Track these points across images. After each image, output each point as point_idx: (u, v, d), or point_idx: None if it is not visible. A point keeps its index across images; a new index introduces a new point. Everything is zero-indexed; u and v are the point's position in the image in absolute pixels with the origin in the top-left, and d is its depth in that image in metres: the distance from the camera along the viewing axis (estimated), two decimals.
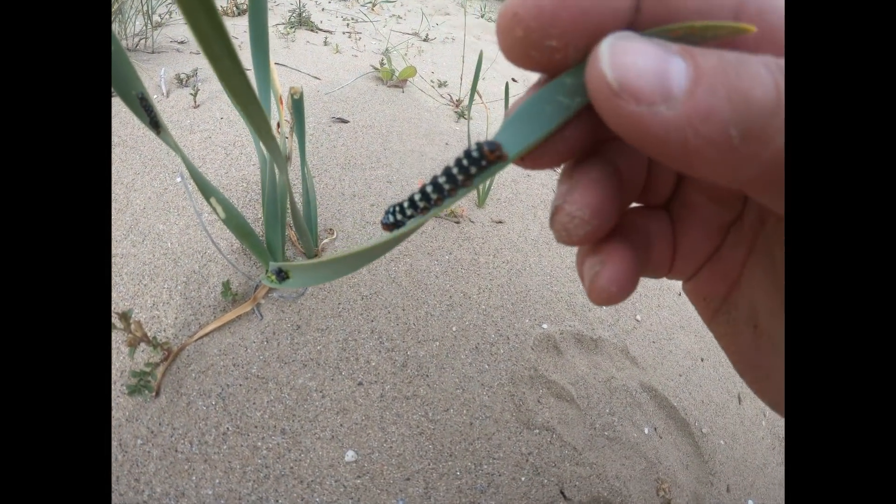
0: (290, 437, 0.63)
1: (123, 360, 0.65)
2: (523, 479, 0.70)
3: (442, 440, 0.70)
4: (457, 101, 1.66)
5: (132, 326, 0.61)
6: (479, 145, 0.17)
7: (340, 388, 0.69)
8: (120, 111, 1.16)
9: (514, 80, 2.35)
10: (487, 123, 1.26)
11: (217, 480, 0.59)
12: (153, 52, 1.47)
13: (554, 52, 0.15)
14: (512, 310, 0.95)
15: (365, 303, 0.79)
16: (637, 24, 0.14)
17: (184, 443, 0.61)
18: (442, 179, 0.19)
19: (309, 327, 0.73)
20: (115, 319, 0.67)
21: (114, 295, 0.73)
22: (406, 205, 0.20)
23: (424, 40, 2.27)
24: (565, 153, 0.17)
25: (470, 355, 0.82)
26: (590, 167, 0.17)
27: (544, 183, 1.45)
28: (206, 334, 0.69)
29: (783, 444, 1.07)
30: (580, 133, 0.17)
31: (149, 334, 0.69)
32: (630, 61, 0.13)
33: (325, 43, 1.81)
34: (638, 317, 1.09)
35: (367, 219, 0.95)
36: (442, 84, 1.77)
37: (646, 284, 1.21)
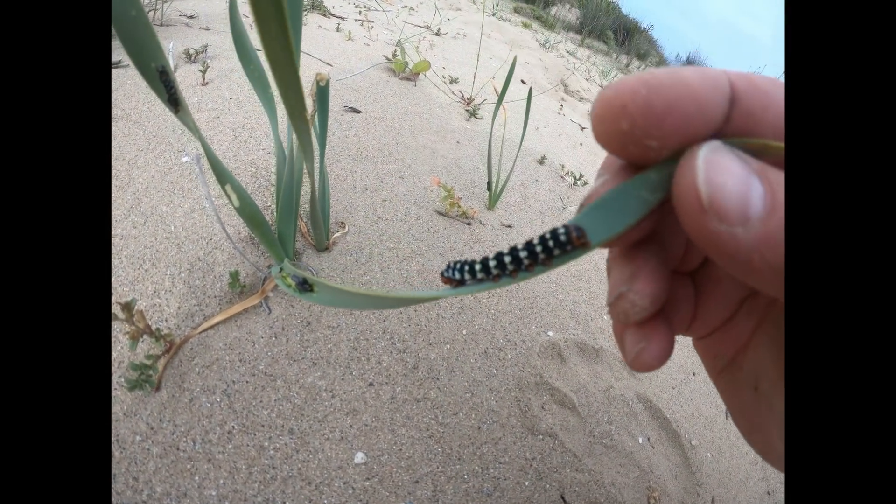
0: (299, 437, 0.60)
1: (121, 351, 0.61)
2: (527, 483, 0.69)
3: (451, 443, 0.68)
4: (468, 98, 1.63)
5: (135, 317, 0.57)
6: (567, 229, 0.17)
7: (351, 389, 0.66)
8: (124, 83, 1.11)
9: (522, 81, 2.32)
10: (504, 126, 1.23)
11: (221, 481, 0.56)
12: (161, 25, 1.41)
13: (649, 150, 0.15)
14: (519, 315, 0.94)
15: None
16: (723, 132, 0.15)
17: (186, 441, 0.58)
18: (523, 254, 0.18)
19: (319, 324, 0.69)
20: (116, 309, 0.63)
21: (112, 279, 0.69)
22: (478, 267, 0.20)
23: (436, 34, 2.22)
24: (634, 239, 0.18)
25: (479, 359, 0.80)
26: (649, 254, 0.18)
27: (552, 189, 1.43)
28: (212, 327, 0.65)
29: (765, 461, 1.09)
30: (650, 223, 0.17)
31: (151, 325, 0.65)
32: (721, 181, 0.13)
33: (338, 29, 1.76)
34: None
35: (379, 214, 0.92)
36: (453, 80, 1.73)
37: None
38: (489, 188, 1.07)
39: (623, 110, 0.15)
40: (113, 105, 1.04)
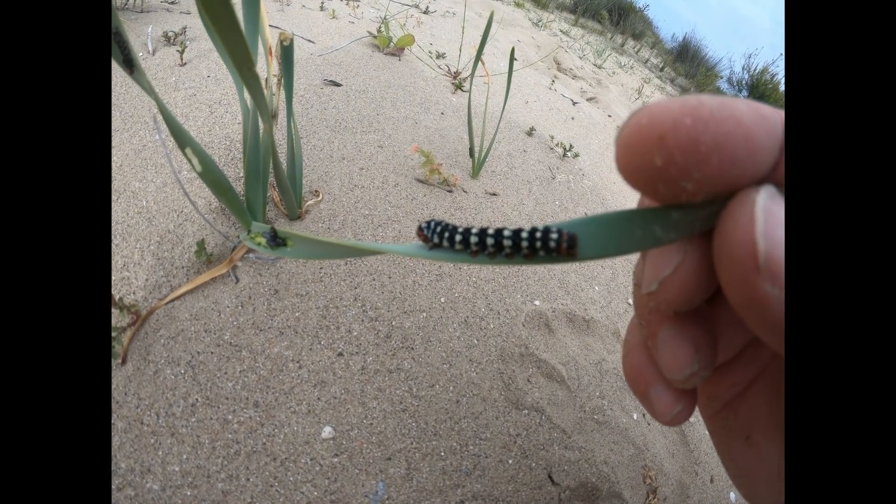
0: (264, 410, 0.56)
1: None
2: (510, 461, 0.63)
3: (426, 418, 0.63)
4: (455, 72, 1.56)
5: None
6: (560, 236, 0.16)
7: (319, 359, 0.61)
8: None
9: (514, 59, 2.23)
10: (487, 97, 1.16)
11: (185, 456, 0.52)
12: (142, 12, 1.35)
13: (682, 192, 0.12)
14: (503, 284, 0.88)
15: (349, 268, 0.71)
16: (770, 177, 0.13)
17: (150, 414, 0.54)
18: (507, 242, 0.17)
19: (287, 292, 0.65)
20: None
21: None
22: (458, 238, 0.18)
23: (424, 12, 2.13)
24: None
25: (458, 329, 0.75)
26: (705, 323, 0.16)
27: (540, 160, 1.37)
28: (178, 297, 0.61)
29: None
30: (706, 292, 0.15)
31: (116, 296, 0.61)
32: (781, 236, 0.11)
33: (322, 8, 1.69)
34: (630, 300, 1.04)
35: (356, 182, 0.86)
36: (440, 56, 1.66)
37: None
38: (471, 154, 1.01)
39: (659, 142, 0.12)
40: None
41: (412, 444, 0.60)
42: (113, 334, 0.56)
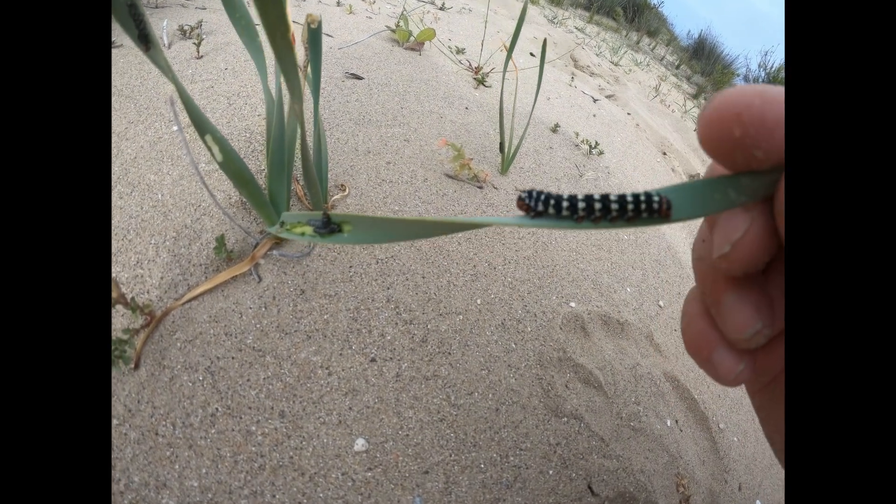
0: (290, 421, 0.51)
1: None
2: (551, 472, 0.59)
3: (465, 428, 0.57)
4: (476, 67, 1.50)
5: None
6: (661, 198, 0.17)
7: (350, 365, 0.55)
8: (117, 61, 1.02)
9: (531, 54, 2.18)
10: (515, 93, 1.11)
11: (204, 470, 0.47)
12: (157, 7, 1.31)
13: (753, 159, 0.15)
14: (539, 285, 0.83)
15: (380, 267, 0.65)
16: None
17: (165, 425, 0.49)
18: (614, 206, 0.18)
19: (315, 293, 0.59)
20: None
21: None
22: (565, 204, 0.18)
23: (441, 9, 2.08)
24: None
25: (496, 332, 0.69)
26: (762, 290, 0.18)
27: (567, 157, 1.31)
28: (195, 297, 0.56)
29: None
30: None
31: (128, 295, 0.56)
32: None
33: (338, 3, 1.64)
34: (661, 303, 0.99)
35: (383, 176, 0.81)
36: (460, 51, 1.61)
37: (668, 271, 1.11)
38: (501, 149, 0.96)
39: (737, 118, 0.14)
40: None
41: (450, 456, 0.54)
42: (124, 337, 0.51)
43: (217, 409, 0.50)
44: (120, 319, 0.53)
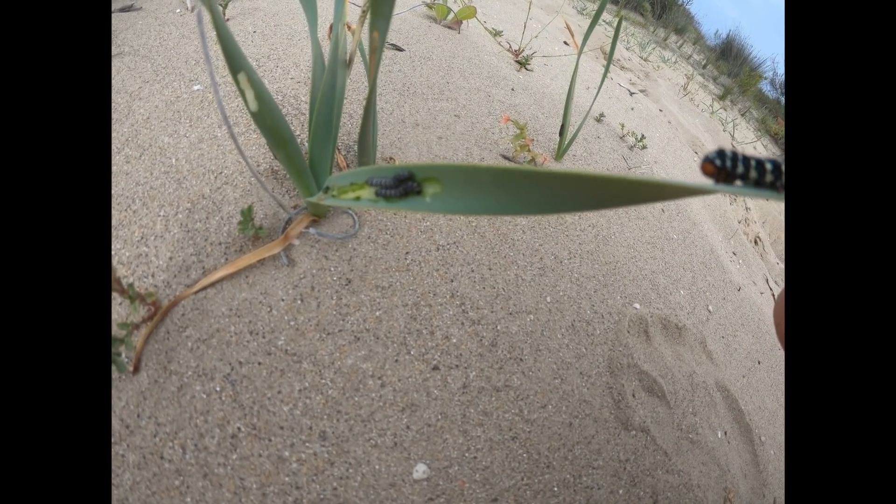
0: (334, 444, 0.38)
1: None
2: (621, 491, 0.51)
3: (538, 446, 0.46)
4: (517, 51, 1.38)
5: None
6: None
7: (408, 374, 0.43)
8: (135, 23, 0.91)
9: (565, 43, 2.04)
10: (573, 79, 0.99)
11: None
12: None
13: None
14: (603, 282, 0.70)
15: (442, 255, 0.52)
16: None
17: (173, 447, 0.36)
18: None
19: (364, 283, 0.46)
20: None
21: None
22: (769, 167, 0.17)
23: None
24: None
25: (566, 335, 0.57)
26: None
27: (614, 148, 1.19)
28: (212, 284, 0.43)
29: None
30: None
31: (125, 279, 0.43)
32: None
33: None
34: (710, 307, 0.92)
35: (435, 152, 0.68)
36: (497, 33, 1.48)
37: (714, 274, 1.02)
38: (562, 133, 0.83)
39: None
40: (121, 43, 0.83)
41: (522, 479, 0.43)
42: (120, 333, 0.39)
43: (239, 428, 0.37)
44: (116, 310, 0.41)
